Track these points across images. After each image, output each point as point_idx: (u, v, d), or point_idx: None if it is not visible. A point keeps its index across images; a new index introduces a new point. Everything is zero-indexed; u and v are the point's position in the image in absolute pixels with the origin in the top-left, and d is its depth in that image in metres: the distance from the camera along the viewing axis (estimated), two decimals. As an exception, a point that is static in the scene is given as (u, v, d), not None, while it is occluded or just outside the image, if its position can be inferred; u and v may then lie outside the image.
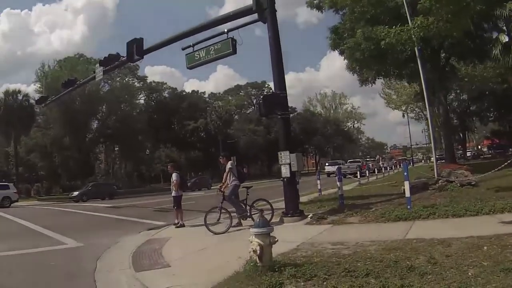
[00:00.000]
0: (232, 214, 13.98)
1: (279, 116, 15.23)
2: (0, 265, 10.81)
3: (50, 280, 9.02)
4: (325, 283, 6.45)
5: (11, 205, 41.42)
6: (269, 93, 20.01)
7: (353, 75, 37.97)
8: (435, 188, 17.88)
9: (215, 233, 12.88)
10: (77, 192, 49.44)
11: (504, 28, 30.06)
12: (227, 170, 14.69)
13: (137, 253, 10.99)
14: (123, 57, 22.77)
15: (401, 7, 22.88)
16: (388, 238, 9.43)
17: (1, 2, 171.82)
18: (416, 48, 21.02)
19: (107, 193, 49.79)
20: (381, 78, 43.67)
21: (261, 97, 19.49)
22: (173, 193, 16.50)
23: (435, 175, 20.53)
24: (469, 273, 6.29)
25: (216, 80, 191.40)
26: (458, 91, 63.60)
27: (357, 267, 6.97)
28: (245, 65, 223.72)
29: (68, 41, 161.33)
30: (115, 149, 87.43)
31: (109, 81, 76.80)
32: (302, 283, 6.54)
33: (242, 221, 14.21)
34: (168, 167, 18.24)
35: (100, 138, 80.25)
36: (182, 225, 15.78)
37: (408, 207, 13.12)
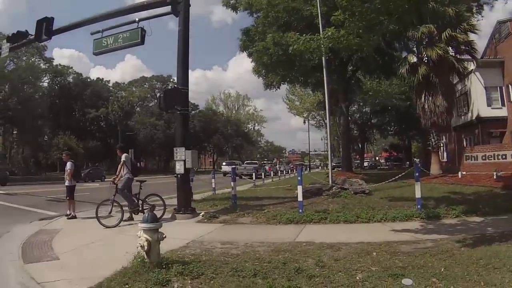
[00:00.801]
0: (124, 208, 13.70)
1: (178, 112, 15.04)
2: None
3: None
4: (212, 281, 6.43)
5: None
6: (171, 88, 19.81)
7: (259, 78, 38.33)
8: (329, 194, 18.28)
9: (106, 227, 12.63)
10: (-35, 175, 46.88)
11: (414, 49, 31.21)
12: (121, 162, 14.43)
13: (27, 244, 10.58)
14: (32, 35, 21.93)
15: (315, 17, 23.32)
16: (278, 240, 9.50)
17: None
18: (323, 58, 21.43)
19: (-1, 178, 47.54)
20: (285, 84, 44.33)
21: (163, 91, 19.30)
22: (67, 183, 16.02)
23: (330, 181, 20.89)
24: (357, 277, 6.42)
25: (123, 69, 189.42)
26: (361, 103, 65.51)
27: (245, 267, 7.01)
28: (154, 57, 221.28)
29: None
30: (14, 132, 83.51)
31: (15, 60, 73.00)
32: (189, 281, 6.48)
33: (133, 215, 13.97)
34: (63, 155, 17.67)
35: (-2, 119, 76.37)
36: (74, 217, 15.29)
37: (300, 211, 13.29)
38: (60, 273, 7.55)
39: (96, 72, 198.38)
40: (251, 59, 33.65)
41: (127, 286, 6.43)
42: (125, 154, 14.68)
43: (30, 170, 73.15)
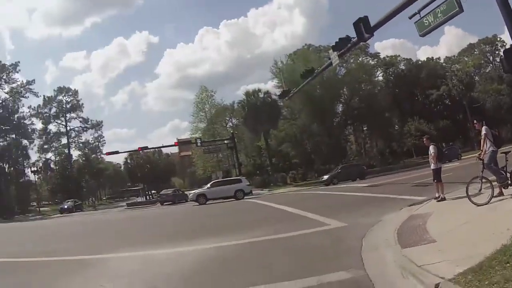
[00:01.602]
0: (493, 183, 13.15)
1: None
2: (268, 247, 11.84)
3: (318, 258, 9.46)
4: None
5: (244, 197, 42.70)
6: (509, 48, 18.61)
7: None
8: None
9: (478, 205, 12.32)
10: (327, 176, 51.64)
11: None
12: (482, 136, 13.95)
13: (401, 230, 11.00)
14: (353, 38, 23.04)
15: None
16: None
17: (216, 15, 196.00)
18: None
19: (357, 174, 50.75)
20: None
21: (502, 52, 18.12)
22: (432, 166, 16.20)
23: None
24: None
25: (447, 42, 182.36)
26: None
27: None
28: (470, 20, 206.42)
29: (291, 36, 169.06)
30: (364, 129, 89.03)
31: (343, 64, 77.80)
32: None
33: (503, 190, 13.31)
34: (424, 139, 17.75)
35: (347, 120, 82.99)
36: (443, 199, 15.42)
37: None
38: (438, 255, 7.66)
39: (422, 53, 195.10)
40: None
41: (508, 264, 6.03)
42: (485, 126, 14.05)
43: (387, 161, 75.74)
